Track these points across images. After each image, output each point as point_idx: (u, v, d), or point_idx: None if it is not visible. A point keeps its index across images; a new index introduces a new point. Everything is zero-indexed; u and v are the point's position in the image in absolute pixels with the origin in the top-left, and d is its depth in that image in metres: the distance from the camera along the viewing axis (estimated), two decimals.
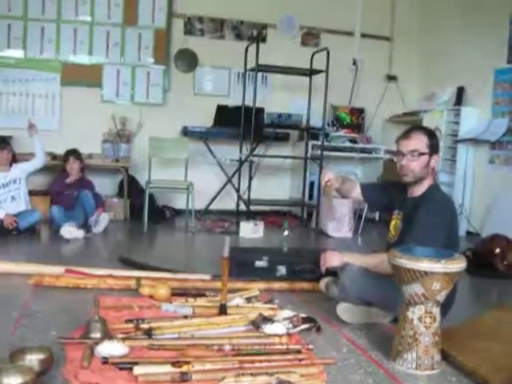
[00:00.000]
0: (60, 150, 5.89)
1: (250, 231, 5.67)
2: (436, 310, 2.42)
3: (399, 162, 2.94)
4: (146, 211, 5.75)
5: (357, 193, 3.34)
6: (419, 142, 2.89)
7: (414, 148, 2.88)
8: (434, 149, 2.93)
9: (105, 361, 2.24)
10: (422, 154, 2.87)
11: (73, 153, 5.68)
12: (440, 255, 2.41)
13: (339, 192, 3.36)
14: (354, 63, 7.55)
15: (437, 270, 2.32)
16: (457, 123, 6.44)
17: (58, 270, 3.61)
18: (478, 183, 6.43)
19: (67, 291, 3.34)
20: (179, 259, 4.60)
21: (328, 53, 6.23)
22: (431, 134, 2.98)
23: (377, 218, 6.93)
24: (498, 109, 6.21)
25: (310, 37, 7.45)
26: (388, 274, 2.67)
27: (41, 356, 2.16)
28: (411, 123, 5.69)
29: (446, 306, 2.64)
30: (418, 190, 2.96)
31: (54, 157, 6.01)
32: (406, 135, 2.95)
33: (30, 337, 2.55)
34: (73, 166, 5.62)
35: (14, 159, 5.41)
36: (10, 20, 6.42)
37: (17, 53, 6.49)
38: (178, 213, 6.68)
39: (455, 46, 6.87)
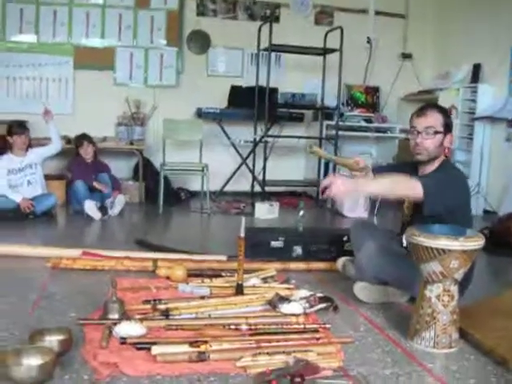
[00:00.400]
0: (74, 134, 5.90)
1: (266, 212, 5.66)
2: (454, 289, 2.41)
3: (413, 140, 2.88)
4: (161, 193, 5.75)
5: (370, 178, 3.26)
6: (435, 119, 2.83)
7: (429, 125, 2.82)
8: (448, 128, 2.87)
9: (123, 341, 2.26)
10: (437, 132, 2.82)
11: (85, 137, 5.71)
12: (458, 233, 2.39)
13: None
14: (369, 41, 7.46)
15: (455, 247, 2.30)
16: (473, 101, 6.37)
17: (75, 252, 3.64)
18: (494, 161, 6.37)
19: (84, 273, 3.36)
20: (195, 240, 4.61)
21: (342, 31, 6.17)
22: (446, 113, 2.93)
23: None
24: None
25: (323, 15, 7.37)
26: (408, 190, 2.66)
27: (60, 337, 2.18)
28: (427, 101, 5.62)
29: (463, 285, 2.62)
30: (430, 168, 2.91)
31: (68, 141, 6.01)
32: (421, 112, 2.87)
33: (48, 318, 2.57)
34: (87, 150, 5.65)
35: (29, 144, 5.42)
36: (22, 4, 6.41)
37: (29, 37, 6.48)
38: (193, 195, 6.69)
39: (471, 23, 6.77)
